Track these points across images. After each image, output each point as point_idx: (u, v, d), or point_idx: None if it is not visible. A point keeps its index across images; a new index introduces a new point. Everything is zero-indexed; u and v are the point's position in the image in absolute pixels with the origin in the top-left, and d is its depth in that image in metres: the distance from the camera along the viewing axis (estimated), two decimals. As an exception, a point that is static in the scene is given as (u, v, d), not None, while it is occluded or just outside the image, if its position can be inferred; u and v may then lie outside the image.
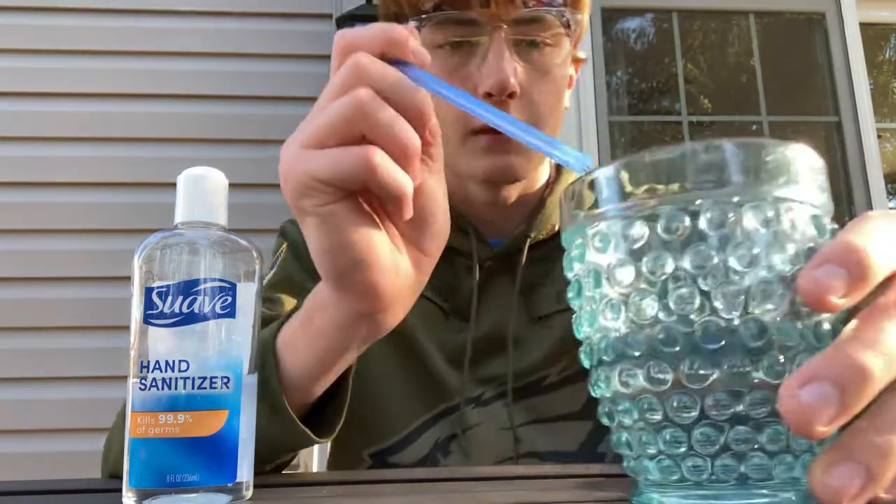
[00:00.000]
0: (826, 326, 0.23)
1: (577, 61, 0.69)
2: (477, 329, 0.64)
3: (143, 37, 1.89)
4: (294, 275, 0.66)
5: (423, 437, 0.63)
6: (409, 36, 0.34)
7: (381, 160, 0.32)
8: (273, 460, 0.47)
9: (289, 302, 0.62)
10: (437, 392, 0.63)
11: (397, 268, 0.37)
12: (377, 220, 0.36)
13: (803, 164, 0.24)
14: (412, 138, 0.33)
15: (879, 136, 2.25)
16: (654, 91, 2.42)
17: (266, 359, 0.43)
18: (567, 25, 0.60)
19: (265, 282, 0.66)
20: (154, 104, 1.86)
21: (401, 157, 0.33)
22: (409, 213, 0.35)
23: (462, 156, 0.62)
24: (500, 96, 0.57)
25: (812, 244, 0.23)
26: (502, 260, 0.66)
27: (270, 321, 0.61)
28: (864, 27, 2.27)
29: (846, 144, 2.19)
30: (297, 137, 0.34)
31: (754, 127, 2.33)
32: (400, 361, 0.64)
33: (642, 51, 2.40)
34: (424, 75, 0.34)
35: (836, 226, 0.25)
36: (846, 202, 2.16)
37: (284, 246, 0.69)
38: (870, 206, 2.13)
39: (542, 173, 0.70)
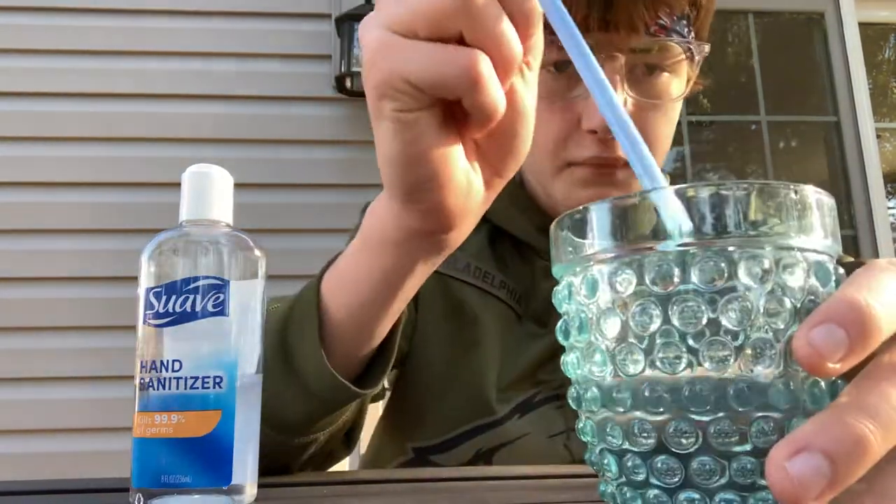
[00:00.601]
0: (823, 386, 0.22)
1: (695, 83, 0.63)
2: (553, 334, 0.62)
3: (143, 37, 1.89)
4: None
5: (464, 446, 0.62)
6: None
7: (488, 73, 0.27)
8: (316, 423, 0.45)
9: None
10: (479, 407, 0.61)
11: (470, 187, 0.33)
12: (457, 132, 0.32)
13: (810, 207, 0.22)
14: (517, 48, 0.28)
15: (878, 136, 2.25)
16: (653, 91, 2.41)
17: (307, 310, 0.41)
18: (689, 51, 0.56)
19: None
20: (154, 104, 1.86)
21: (500, 67, 0.28)
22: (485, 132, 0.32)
23: (557, 182, 0.58)
24: (606, 135, 0.52)
25: (812, 296, 0.22)
26: None
27: None
28: (864, 27, 2.27)
29: (845, 144, 2.19)
30: (382, 16, 0.29)
31: (753, 126, 2.33)
32: (458, 369, 0.63)
33: (642, 50, 2.40)
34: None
35: (841, 271, 0.23)
36: (846, 202, 2.16)
37: None
38: (869, 206, 2.13)
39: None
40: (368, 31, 0.29)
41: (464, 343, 0.62)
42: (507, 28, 0.28)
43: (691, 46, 0.55)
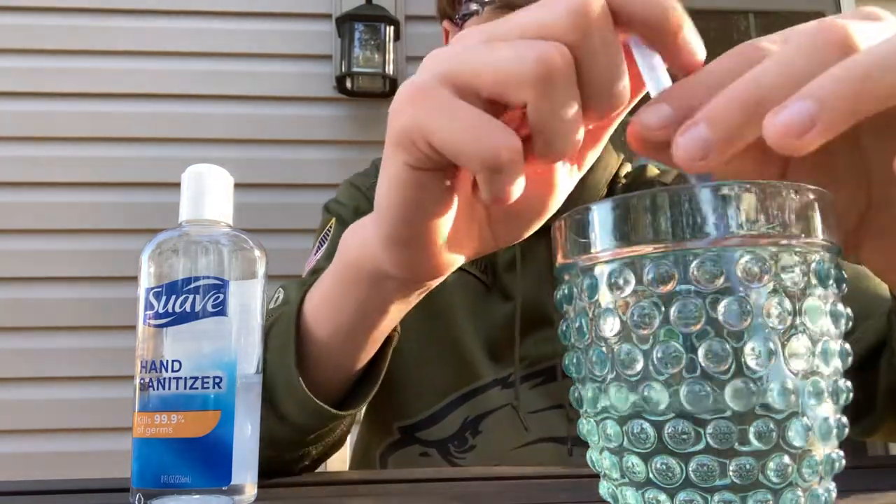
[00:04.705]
0: (823, 385, 0.22)
1: None
2: (520, 304, 0.64)
3: (143, 37, 1.89)
4: None
5: (452, 416, 0.63)
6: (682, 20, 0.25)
7: (511, 161, 0.24)
8: (304, 442, 0.45)
9: None
10: (467, 373, 0.63)
11: (460, 249, 0.32)
12: (465, 194, 0.30)
13: (810, 207, 0.22)
14: (570, 147, 0.25)
15: (879, 136, 2.24)
16: (653, 91, 2.41)
17: (286, 333, 0.41)
18: None
19: (316, 259, 0.66)
20: (154, 104, 1.86)
21: (545, 156, 0.26)
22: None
23: None
24: None
25: (812, 296, 0.22)
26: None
27: None
28: (864, 27, 2.27)
29: (846, 144, 2.19)
30: (444, 67, 0.25)
31: (754, 127, 2.33)
32: (435, 338, 0.64)
33: (642, 51, 2.40)
34: (651, 55, 0.26)
35: (843, 272, 0.23)
36: (846, 202, 2.16)
37: (332, 221, 0.70)
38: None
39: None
40: (421, 73, 0.26)
41: (436, 315, 0.64)
42: (572, 126, 0.24)
43: None
